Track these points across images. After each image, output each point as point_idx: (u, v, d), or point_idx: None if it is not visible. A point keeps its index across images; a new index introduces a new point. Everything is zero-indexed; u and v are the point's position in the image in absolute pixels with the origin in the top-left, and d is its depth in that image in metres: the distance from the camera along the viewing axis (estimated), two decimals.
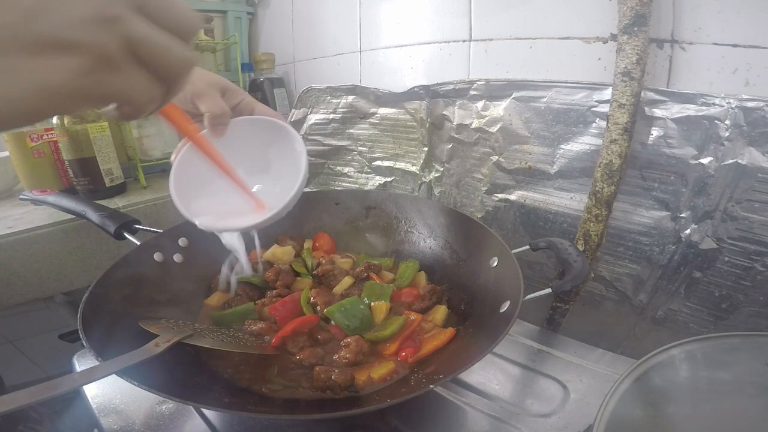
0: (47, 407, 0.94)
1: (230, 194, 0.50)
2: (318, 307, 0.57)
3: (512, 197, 0.72)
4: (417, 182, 0.85)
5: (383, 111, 0.85)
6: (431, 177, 0.83)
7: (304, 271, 0.66)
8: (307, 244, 0.73)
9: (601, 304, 0.67)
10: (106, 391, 0.51)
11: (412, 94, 0.79)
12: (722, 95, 0.50)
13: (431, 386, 0.40)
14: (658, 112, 0.54)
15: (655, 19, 0.53)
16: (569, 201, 0.65)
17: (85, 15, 0.21)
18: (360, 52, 0.93)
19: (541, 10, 0.63)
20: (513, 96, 0.67)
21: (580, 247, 0.62)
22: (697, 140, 0.52)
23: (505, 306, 0.48)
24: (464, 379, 0.53)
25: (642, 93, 0.54)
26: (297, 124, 0.95)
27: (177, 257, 0.63)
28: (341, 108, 0.90)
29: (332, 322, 0.55)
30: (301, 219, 0.76)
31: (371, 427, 0.47)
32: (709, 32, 0.51)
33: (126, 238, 0.63)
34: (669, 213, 0.57)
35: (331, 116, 0.91)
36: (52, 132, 0.88)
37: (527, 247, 0.58)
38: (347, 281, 0.63)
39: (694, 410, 0.41)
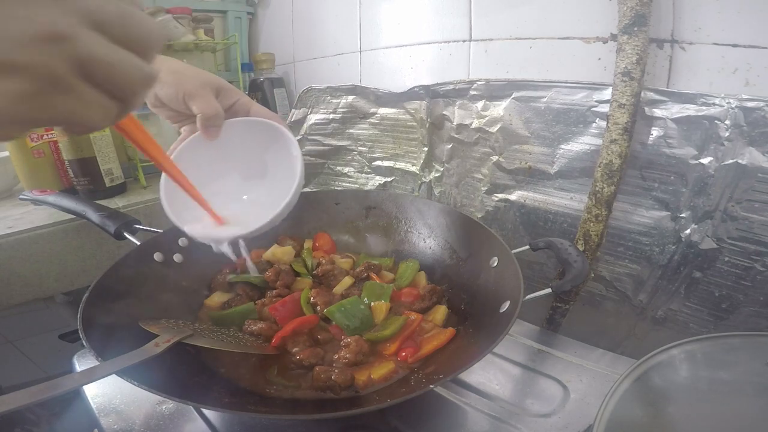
0: (45, 409, 0.93)
1: (226, 199, 0.49)
2: (318, 307, 0.57)
3: (512, 197, 0.72)
4: (417, 182, 0.85)
5: (383, 111, 0.85)
6: (431, 177, 0.83)
7: (304, 271, 0.66)
8: (307, 244, 0.73)
9: (601, 304, 0.67)
10: (106, 391, 0.50)
11: (412, 94, 0.79)
12: (722, 95, 0.50)
13: (431, 386, 0.40)
14: (658, 112, 0.54)
15: (655, 19, 0.53)
16: (569, 201, 0.65)
17: (30, 34, 0.19)
18: (360, 52, 0.93)
19: (541, 10, 0.63)
20: (513, 96, 0.67)
21: (580, 247, 0.62)
22: (697, 140, 0.52)
23: (505, 306, 0.48)
24: (464, 379, 0.53)
25: (642, 93, 0.54)
26: (297, 124, 0.95)
27: (177, 257, 0.63)
28: (341, 108, 0.90)
29: (332, 322, 0.55)
30: (301, 219, 0.76)
31: (371, 427, 0.47)
32: (709, 32, 0.51)
33: (126, 238, 0.63)
34: (669, 213, 0.57)
35: (331, 116, 0.91)
36: (53, 132, 0.88)
37: (527, 247, 0.58)
38: (347, 281, 0.63)
39: (694, 410, 0.41)
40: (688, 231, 0.55)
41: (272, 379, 0.48)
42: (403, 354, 0.51)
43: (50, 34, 0.19)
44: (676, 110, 0.53)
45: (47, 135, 0.89)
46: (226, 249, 0.48)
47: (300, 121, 0.95)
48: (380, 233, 0.76)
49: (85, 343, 0.41)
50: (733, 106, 0.49)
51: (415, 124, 0.81)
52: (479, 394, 0.51)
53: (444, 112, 0.76)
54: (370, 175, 0.92)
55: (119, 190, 0.93)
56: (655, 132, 0.55)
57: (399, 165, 0.87)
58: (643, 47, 0.52)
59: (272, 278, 0.62)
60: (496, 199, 0.74)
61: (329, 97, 0.91)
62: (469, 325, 0.55)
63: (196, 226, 0.46)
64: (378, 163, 0.90)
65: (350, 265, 0.68)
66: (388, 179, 0.90)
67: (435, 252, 0.70)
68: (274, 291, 0.61)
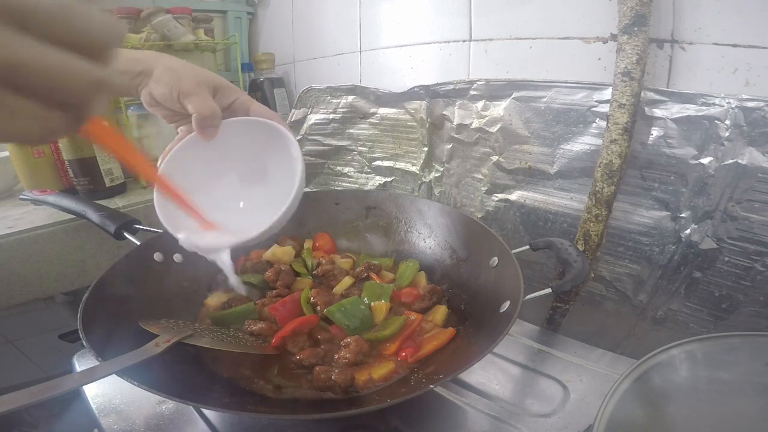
0: (44, 410, 0.93)
1: (222, 204, 0.48)
2: (318, 307, 0.57)
3: (512, 197, 0.72)
4: (417, 182, 0.85)
5: (383, 111, 0.85)
6: (431, 177, 0.83)
7: (304, 271, 0.66)
8: (307, 244, 0.73)
9: (601, 304, 0.67)
10: (106, 391, 0.51)
11: (412, 94, 0.79)
12: (722, 95, 0.50)
13: (431, 386, 0.40)
14: (658, 112, 0.54)
15: (655, 19, 0.53)
16: (569, 201, 0.65)
17: None
18: (360, 52, 0.93)
19: (541, 10, 0.63)
20: (513, 96, 0.67)
21: (580, 247, 0.62)
22: (697, 140, 0.52)
23: (505, 306, 0.48)
24: (464, 379, 0.53)
25: (642, 93, 0.54)
26: (297, 124, 0.95)
27: (177, 257, 0.63)
28: (341, 108, 0.90)
29: (332, 322, 0.55)
30: (301, 219, 0.76)
31: (371, 427, 0.47)
32: (709, 32, 0.51)
33: (126, 238, 0.63)
34: (669, 213, 0.57)
35: (331, 116, 0.91)
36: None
37: (527, 247, 0.58)
38: (347, 281, 0.63)
39: (694, 410, 0.41)
40: (688, 231, 0.55)
41: (272, 379, 0.48)
42: (403, 354, 0.51)
43: None
44: (676, 110, 0.53)
45: None
46: (224, 258, 0.46)
47: (300, 121, 0.95)
48: (380, 233, 0.76)
49: (85, 343, 0.41)
50: (733, 106, 0.49)
51: (415, 124, 0.81)
52: (479, 394, 0.51)
53: (444, 112, 0.76)
54: (370, 175, 0.92)
55: (119, 190, 0.93)
56: (655, 132, 0.55)
57: (399, 165, 0.87)
58: (643, 47, 0.52)
59: (272, 278, 0.62)
60: (496, 199, 0.74)
61: (329, 97, 0.91)
62: (469, 325, 0.55)
63: (192, 235, 0.44)
64: (378, 163, 0.90)
65: (350, 265, 0.68)
66: (388, 179, 0.90)
67: (435, 252, 0.70)
68: (274, 291, 0.61)
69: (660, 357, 0.42)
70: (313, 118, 0.94)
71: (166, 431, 0.46)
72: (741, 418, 0.40)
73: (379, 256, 0.73)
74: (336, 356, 0.50)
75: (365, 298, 0.58)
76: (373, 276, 0.64)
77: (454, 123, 0.75)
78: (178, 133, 0.50)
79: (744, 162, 0.49)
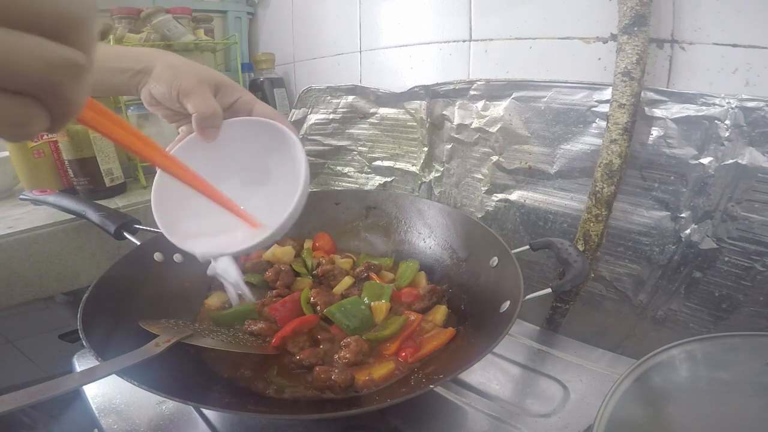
0: (43, 411, 0.93)
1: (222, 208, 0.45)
2: (318, 307, 0.57)
3: (512, 197, 0.72)
4: (417, 182, 0.85)
5: (383, 111, 0.85)
6: (431, 177, 0.83)
7: (304, 271, 0.66)
8: (307, 244, 0.73)
9: (601, 304, 0.67)
10: (106, 391, 0.51)
11: (412, 94, 0.79)
12: (722, 95, 0.50)
13: (431, 386, 0.40)
14: (658, 112, 0.54)
15: (655, 19, 0.53)
16: (569, 201, 0.65)
17: None
18: (360, 52, 0.93)
19: (541, 10, 0.63)
20: (513, 96, 0.67)
21: (580, 247, 0.62)
22: (697, 140, 0.52)
23: (505, 306, 0.48)
24: (464, 379, 0.53)
25: (642, 93, 0.54)
26: (297, 124, 0.95)
27: (177, 257, 0.63)
28: (341, 108, 0.90)
29: (332, 322, 0.55)
30: (301, 219, 0.75)
31: (371, 427, 0.47)
32: (709, 32, 0.51)
33: (126, 238, 0.63)
34: (669, 213, 0.57)
35: (331, 116, 0.91)
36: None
37: (527, 247, 0.58)
38: (347, 281, 0.63)
39: (694, 410, 0.41)
40: (688, 231, 0.55)
41: (272, 379, 0.48)
42: (403, 354, 0.51)
43: None
44: (676, 110, 0.53)
45: (47, 135, 0.89)
46: (223, 266, 0.45)
47: (300, 121, 0.95)
48: (380, 233, 0.76)
49: (85, 343, 0.41)
50: (733, 106, 0.49)
51: (415, 124, 0.81)
52: (479, 394, 0.51)
53: (444, 112, 0.76)
54: (370, 175, 0.92)
55: (119, 190, 0.93)
56: (655, 132, 0.55)
57: (399, 165, 0.87)
58: (643, 47, 0.52)
59: (272, 278, 0.62)
60: (496, 199, 0.74)
61: (329, 97, 0.91)
62: (469, 325, 0.55)
63: (188, 239, 0.42)
64: (378, 163, 0.90)
65: (350, 265, 0.68)
66: (388, 179, 0.90)
67: (435, 252, 0.70)
68: (274, 291, 0.61)
69: (660, 357, 0.42)
70: (313, 118, 0.94)
71: (166, 431, 0.46)
72: (741, 418, 0.40)
73: (379, 256, 0.73)
74: (336, 356, 0.50)
75: (365, 298, 0.58)
76: (373, 276, 0.64)
77: (454, 123, 0.75)
78: (179, 134, 0.49)
79: (744, 162, 0.49)
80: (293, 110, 0.96)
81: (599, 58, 0.59)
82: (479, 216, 0.76)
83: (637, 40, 0.52)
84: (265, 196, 0.47)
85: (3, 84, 0.17)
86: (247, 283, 0.62)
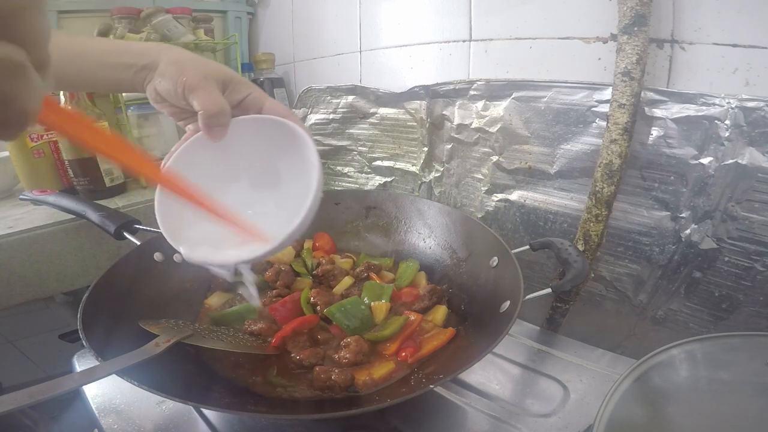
0: (43, 412, 0.93)
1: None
2: (318, 307, 0.57)
3: (512, 197, 0.72)
4: (417, 182, 0.85)
5: (383, 111, 0.85)
6: (431, 177, 0.83)
7: (304, 271, 0.66)
8: (307, 244, 0.73)
9: (601, 304, 0.67)
10: (106, 391, 0.51)
11: (412, 94, 0.79)
12: (722, 95, 0.50)
13: (431, 386, 0.40)
14: (658, 112, 0.54)
15: (655, 19, 0.53)
16: (569, 201, 0.65)
17: None
18: (360, 52, 0.93)
19: (541, 10, 0.63)
20: (513, 96, 0.67)
21: (580, 247, 0.62)
22: (697, 140, 0.52)
23: (505, 306, 0.48)
24: (464, 379, 0.54)
25: (642, 93, 0.54)
26: None
27: (177, 257, 0.63)
28: (341, 108, 0.90)
29: (332, 322, 0.55)
30: None
31: (371, 427, 0.47)
32: (709, 32, 0.51)
33: (126, 238, 0.63)
34: (669, 213, 0.57)
35: (331, 116, 0.91)
36: (53, 132, 0.88)
37: (527, 247, 0.58)
38: (347, 281, 0.63)
39: (694, 410, 0.41)
40: (688, 231, 0.55)
41: (272, 379, 0.48)
42: (403, 354, 0.51)
43: None
44: (676, 110, 0.53)
45: (47, 135, 0.89)
46: (227, 273, 0.43)
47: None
48: (380, 233, 0.76)
49: (85, 343, 0.40)
50: (733, 106, 0.49)
51: (415, 124, 0.81)
52: (479, 394, 0.51)
53: (444, 112, 0.76)
54: (370, 175, 0.92)
55: (119, 190, 0.93)
56: (655, 132, 0.55)
57: (399, 165, 0.87)
58: (643, 47, 0.52)
59: (272, 278, 0.62)
60: (496, 199, 0.74)
61: (329, 97, 0.91)
62: (469, 325, 0.55)
63: (194, 248, 0.40)
64: (378, 163, 0.90)
65: (350, 265, 0.68)
66: (388, 179, 0.90)
67: (435, 252, 0.70)
68: (274, 291, 0.61)
69: (660, 357, 0.42)
70: (313, 118, 0.94)
71: (166, 431, 0.46)
72: (741, 418, 0.40)
73: (379, 256, 0.73)
74: (336, 356, 0.50)
75: (365, 298, 0.58)
76: (373, 276, 0.64)
77: (454, 123, 0.75)
78: (186, 132, 0.46)
79: (744, 162, 0.49)
80: (293, 110, 0.96)
81: (599, 58, 0.59)
82: (479, 216, 0.76)
83: (637, 40, 0.52)
84: (274, 200, 0.45)
85: None
86: None
